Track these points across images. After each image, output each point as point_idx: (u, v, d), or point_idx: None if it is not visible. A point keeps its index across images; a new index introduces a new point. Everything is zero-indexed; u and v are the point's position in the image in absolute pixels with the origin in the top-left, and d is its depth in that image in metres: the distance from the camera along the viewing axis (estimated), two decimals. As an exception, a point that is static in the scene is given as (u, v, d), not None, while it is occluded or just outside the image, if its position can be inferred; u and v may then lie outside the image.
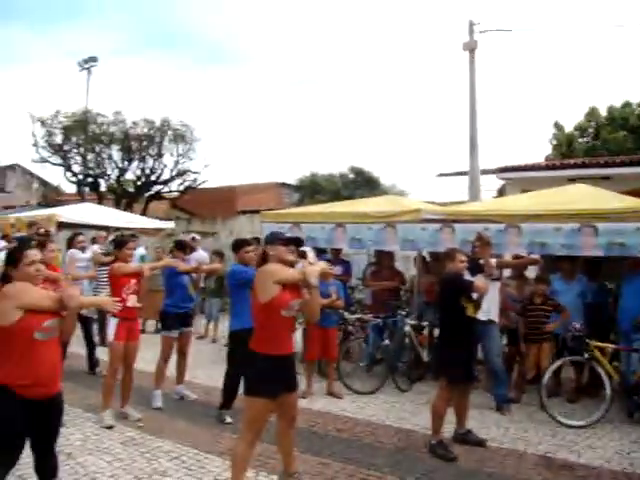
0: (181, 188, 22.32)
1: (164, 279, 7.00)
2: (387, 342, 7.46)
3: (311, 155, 61.31)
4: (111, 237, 12.37)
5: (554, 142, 22.17)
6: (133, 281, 5.81)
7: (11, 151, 75.21)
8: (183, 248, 6.86)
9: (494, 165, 13.52)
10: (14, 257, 3.57)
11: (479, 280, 5.35)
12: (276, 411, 4.16)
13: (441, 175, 15.53)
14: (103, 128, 21.46)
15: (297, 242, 4.27)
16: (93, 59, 24.15)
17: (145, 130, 21.19)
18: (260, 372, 3.92)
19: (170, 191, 22.52)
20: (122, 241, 6.02)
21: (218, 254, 10.65)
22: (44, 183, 34.84)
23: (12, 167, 37.29)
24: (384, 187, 28.61)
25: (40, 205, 22.80)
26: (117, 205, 20.40)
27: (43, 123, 20.97)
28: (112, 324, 5.79)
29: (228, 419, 5.84)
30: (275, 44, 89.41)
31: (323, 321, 7.06)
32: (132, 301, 5.78)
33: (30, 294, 3.44)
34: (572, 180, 10.41)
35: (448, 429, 5.46)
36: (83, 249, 7.73)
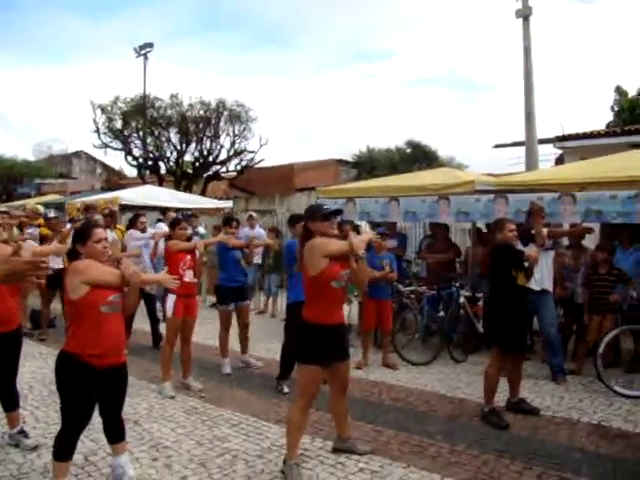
0: (238, 168, 22.69)
1: (217, 255, 7.23)
2: (442, 314, 7.50)
3: (368, 130, 61.07)
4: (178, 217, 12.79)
5: (616, 108, 21.34)
6: (188, 257, 6.07)
7: (75, 139, 78.04)
8: (229, 223, 7.04)
9: (553, 134, 13.20)
10: (83, 234, 3.78)
11: (530, 250, 5.33)
12: (329, 379, 4.31)
13: (498, 146, 15.21)
14: (160, 112, 21.97)
15: (336, 214, 4.26)
16: (149, 45, 24.63)
17: (201, 112, 21.59)
18: (311, 341, 4.06)
19: (227, 171, 22.94)
20: (175, 220, 6.29)
21: (274, 231, 10.84)
22: (107, 168, 36.09)
23: (77, 154, 38.78)
24: (442, 160, 28.39)
25: (103, 189, 23.61)
26: (177, 187, 20.94)
27: (103, 110, 21.68)
28: (170, 300, 6.04)
29: (285, 389, 6.03)
30: (327, 22, 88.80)
31: (377, 293, 7.19)
32: (188, 276, 6.05)
33: (96, 270, 3.65)
34: (635, 146, 10.06)
35: (502, 398, 5.52)
36: (144, 230, 8.01)
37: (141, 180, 22.20)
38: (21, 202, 18.12)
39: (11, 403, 4.56)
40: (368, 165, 27.91)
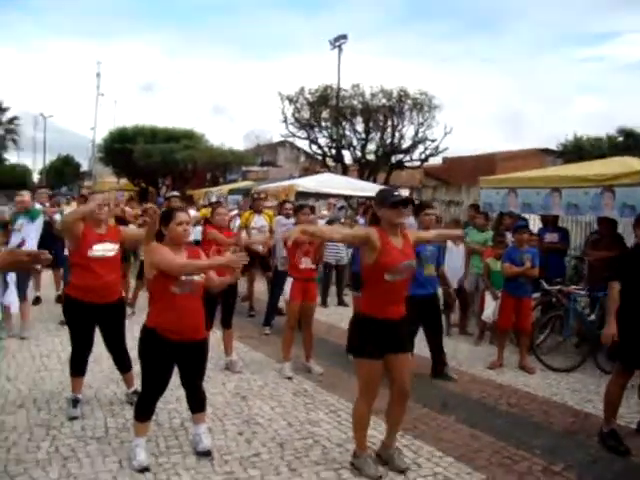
0: (422, 157, 22.49)
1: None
2: (592, 317, 6.77)
3: (579, 117, 56.84)
4: (339, 204, 13.09)
5: None
6: (305, 244, 6.14)
7: (278, 129, 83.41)
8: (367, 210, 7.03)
9: None
10: (167, 217, 4.01)
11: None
12: (387, 376, 4.00)
13: None
14: (345, 102, 22.49)
15: (406, 203, 3.96)
16: (343, 37, 25.22)
17: (383, 101, 21.72)
18: (363, 333, 3.86)
19: (411, 160, 22.84)
20: (300, 206, 6.41)
21: (456, 222, 10.43)
22: (310, 157, 37.85)
23: (282, 143, 41.07)
24: (661, 150, 25.62)
25: (301, 177, 24.81)
26: (361, 175, 21.30)
27: (290, 101, 22.75)
28: (288, 285, 6.21)
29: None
30: (540, 5, 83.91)
31: (515, 290, 6.74)
32: (305, 263, 6.15)
33: (159, 255, 3.84)
34: None
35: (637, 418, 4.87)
36: (288, 215, 8.26)
37: (327, 169, 22.95)
38: (217, 188, 19.80)
39: (124, 365, 5.04)
40: (575, 154, 26.13)
